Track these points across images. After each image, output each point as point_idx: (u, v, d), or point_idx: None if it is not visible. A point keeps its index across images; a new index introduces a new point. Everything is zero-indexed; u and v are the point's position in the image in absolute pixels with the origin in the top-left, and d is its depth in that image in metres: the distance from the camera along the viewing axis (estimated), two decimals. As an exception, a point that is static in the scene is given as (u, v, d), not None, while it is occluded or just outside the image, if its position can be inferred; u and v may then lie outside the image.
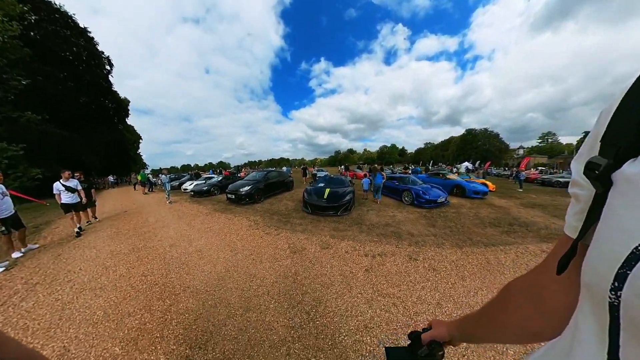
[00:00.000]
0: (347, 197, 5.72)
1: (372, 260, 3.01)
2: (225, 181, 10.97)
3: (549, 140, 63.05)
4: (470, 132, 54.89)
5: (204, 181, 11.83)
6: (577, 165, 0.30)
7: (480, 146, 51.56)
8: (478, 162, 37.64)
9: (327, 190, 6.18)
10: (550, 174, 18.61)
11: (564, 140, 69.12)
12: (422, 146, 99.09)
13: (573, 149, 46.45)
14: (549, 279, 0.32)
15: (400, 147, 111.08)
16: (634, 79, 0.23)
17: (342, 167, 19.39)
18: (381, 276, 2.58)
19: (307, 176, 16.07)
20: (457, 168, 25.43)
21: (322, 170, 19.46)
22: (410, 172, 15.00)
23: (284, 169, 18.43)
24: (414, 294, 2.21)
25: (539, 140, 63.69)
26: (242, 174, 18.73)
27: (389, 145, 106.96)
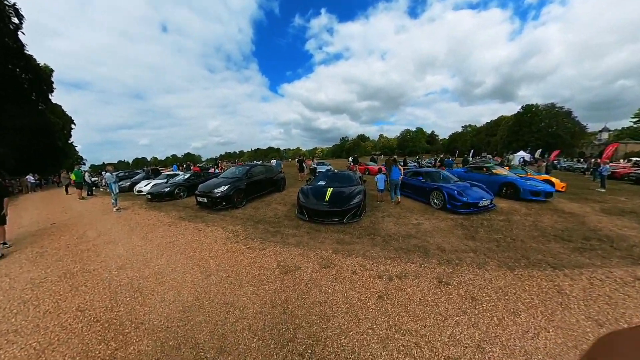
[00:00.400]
0: (356, 199, 5.76)
1: (387, 283, 3.04)
2: (195, 179, 11.12)
3: None
4: (528, 110, 52.84)
5: (166, 180, 12.00)
6: None
7: (543, 128, 49.44)
8: (539, 151, 37.03)
9: (330, 190, 6.23)
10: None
11: None
12: (460, 130, 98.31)
13: None
14: None
15: (428, 131, 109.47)
16: None
17: (351, 159, 19.39)
18: (400, 306, 2.60)
19: (304, 171, 16.19)
20: (508, 159, 25.17)
21: (323, 164, 19.57)
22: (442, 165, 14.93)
23: (273, 162, 18.54)
24: (444, 331, 2.22)
25: (635, 119, 59.63)
26: (217, 169, 18.97)
27: (414, 129, 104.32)
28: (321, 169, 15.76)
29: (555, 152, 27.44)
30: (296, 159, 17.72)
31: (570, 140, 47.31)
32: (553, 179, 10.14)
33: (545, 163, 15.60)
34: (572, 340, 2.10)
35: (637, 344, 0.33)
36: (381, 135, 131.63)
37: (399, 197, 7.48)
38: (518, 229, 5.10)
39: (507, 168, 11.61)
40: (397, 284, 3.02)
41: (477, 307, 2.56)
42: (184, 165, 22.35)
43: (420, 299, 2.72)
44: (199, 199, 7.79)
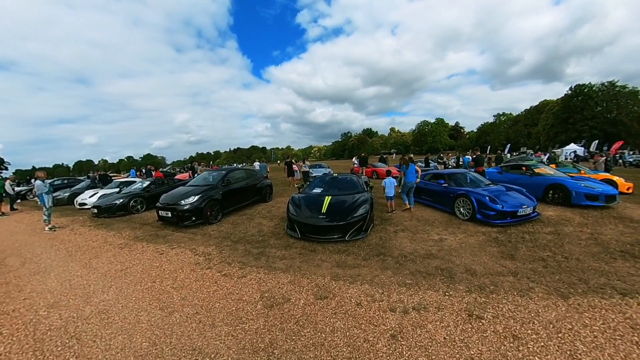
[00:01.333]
0: (361, 210, 5.75)
1: (402, 318, 2.97)
2: (156, 188, 11.09)
3: None
4: (580, 91, 52.41)
5: (118, 189, 11.94)
6: None
7: (599, 114, 49.25)
8: (595, 142, 37.27)
9: (327, 199, 6.22)
10: None
11: None
12: (491, 120, 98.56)
13: None
14: None
15: (451, 122, 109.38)
16: None
17: (356, 159, 19.39)
18: (419, 348, 2.52)
19: (296, 176, 16.17)
20: (553, 154, 25.28)
21: (320, 166, 19.59)
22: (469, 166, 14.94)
23: (257, 165, 18.50)
24: (477, 382, 2.15)
25: None
26: (184, 175, 18.82)
27: (433, 120, 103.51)
28: (317, 172, 15.78)
29: (617, 144, 27.56)
30: (284, 161, 17.76)
31: (638, 128, 46.47)
32: (615, 178, 10.09)
33: (604, 158, 15.62)
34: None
35: None
36: (392, 129, 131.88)
37: (410, 204, 7.71)
38: (571, 243, 5.04)
39: (553, 166, 11.64)
40: (415, 319, 2.94)
41: (522, 349, 2.46)
42: (144, 171, 22.30)
43: (445, 338, 2.64)
44: (162, 212, 7.74)
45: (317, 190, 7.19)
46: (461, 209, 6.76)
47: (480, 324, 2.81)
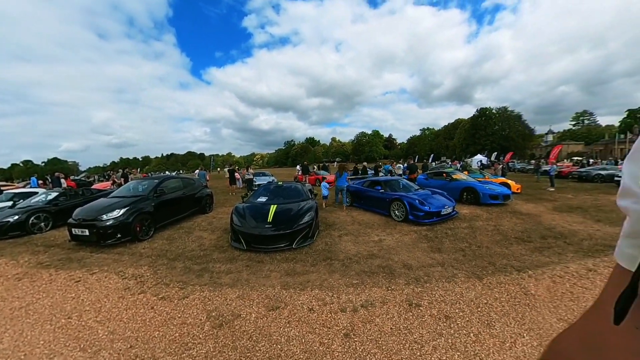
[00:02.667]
0: (307, 218, 5.87)
1: (353, 317, 3.14)
2: (67, 201, 9.39)
3: (585, 121, 77.91)
4: (483, 113, 65.33)
5: (11, 202, 9.81)
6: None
7: (497, 132, 62.06)
8: (495, 153, 45.49)
9: (273, 207, 6.19)
10: (587, 166, 23.30)
11: (603, 121, 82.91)
12: (418, 133, 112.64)
13: (615, 132, 53.20)
14: (606, 329, 0.36)
15: (386, 134, 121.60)
16: None
17: (300, 167, 19.74)
18: (370, 341, 2.70)
19: (238, 184, 15.60)
20: (465, 163, 29.99)
21: (264, 174, 19.32)
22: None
23: (197, 173, 17.21)
24: (422, 360, 2.41)
25: (573, 122, 78.60)
26: (105, 184, 16.32)
27: (370, 132, 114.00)
28: (261, 180, 15.52)
29: (509, 154, 33.84)
30: (226, 168, 16.94)
31: (522, 143, 60.36)
32: (509, 181, 12.44)
33: (501, 166, 19.03)
34: (547, 340, 2.55)
35: (583, 341, 0.42)
36: (334, 139, 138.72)
37: (343, 203, 9.60)
38: (482, 235, 6.04)
39: (466, 173, 13.74)
40: (364, 316, 3.13)
41: (452, 325, 2.86)
42: (49, 179, 18.31)
43: (391, 328, 2.87)
44: (76, 230, 6.54)
45: (262, 199, 7.08)
46: (396, 212, 7.45)
47: (419, 310, 3.16)
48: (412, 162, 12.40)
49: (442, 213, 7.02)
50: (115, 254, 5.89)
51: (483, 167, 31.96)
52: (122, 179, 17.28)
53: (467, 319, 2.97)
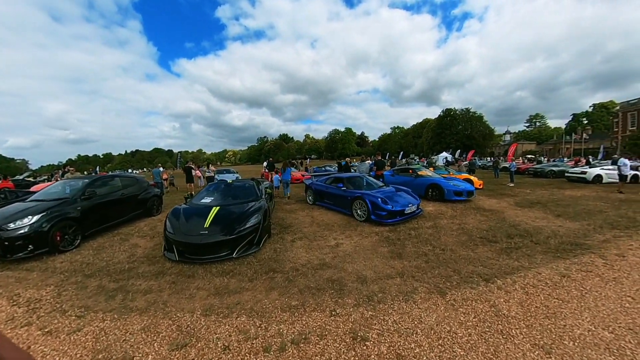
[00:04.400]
0: (253, 220, 4.94)
1: (278, 357, 2.28)
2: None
3: (537, 123, 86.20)
4: (448, 113, 68.36)
5: None
6: None
7: (460, 131, 65.11)
8: (458, 151, 47.09)
9: (214, 210, 5.19)
10: (540, 163, 25.59)
11: (552, 123, 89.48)
12: (389, 132, 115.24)
13: (562, 133, 57.25)
14: None
15: (359, 132, 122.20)
16: None
17: (266, 164, 18.51)
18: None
19: (200, 183, 14.23)
20: (431, 160, 30.55)
21: (228, 171, 17.94)
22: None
23: (161, 170, 15.21)
24: None
25: (527, 124, 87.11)
26: (43, 186, 13.89)
27: (343, 129, 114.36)
28: (225, 178, 14.28)
29: (471, 152, 35.04)
30: (184, 165, 15.38)
31: (482, 142, 63.70)
32: (472, 177, 12.27)
33: (464, 162, 19.13)
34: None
35: None
36: (307, 136, 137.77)
37: (285, 195, 10.80)
38: (446, 235, 5.43)
39: (431, 169, 13.46)
40: (293, 355, 2.26)
41: (405, 370, 2.05)
42: None
43: (323, 379, 2.02)
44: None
45: (206, 200, 6.04)
46: (358, 211, 6.70)
47: (365, 348, 2.33)
48: (379, 158, 11.76)
49: (406, 212, 6.37)
50: (24, 271, 4.56)
51: (448, 163, 32.75)
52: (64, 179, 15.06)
53: (426, 357, 2.19)
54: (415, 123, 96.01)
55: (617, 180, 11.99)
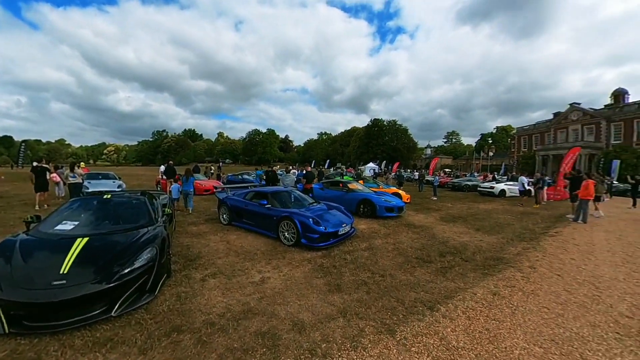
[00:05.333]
0: (144, 258, 4.04)
1: None
2: None
3: (453, 140, 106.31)
4: (376, 124, 76.22)
5: None
6: None
7: (387, 142, 73.37)
8: (384, 162, 52.39)
9: (79, 243, 4.07)
10: (456, 177, 31.84)
11: (465, 141, 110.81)
12: (316, 137, 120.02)
13: (473, 150, 74.91)
14: None
15: (282, 135, 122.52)
16: None
17: (163, 168, 15.96)
18: None
19: (58, 193, 11.75)
20: (360, 171, 32.90)
21: (105, 176, 14.31)
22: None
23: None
24: None
25: (445, 140, 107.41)
26: None
27: (265, 130, 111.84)
28: (99, 187, 11.82)
29: (397, 164, 39.40)
30: (33, 165, 12.00)
31: (407, 154, 73.85)
32: (400, 192, 13.62)
33: (392, 174, 21.35)
34: None
35: None
36: (221, 135, 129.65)
37: (188, 206, 10.46)
38: (383, 257, 5.75)
39: (361, 182, 14.38)
40: None
41: None
42: None
43: None
44: None
45: (66, 227, 4.68)
46: (285, 234, 6.46)
47: None
48: (309, 169, 11.82)
49: (339, 233, 6.45)
50: None
51: (376, 175, 35.92)
52: None
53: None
54: (343, 130, 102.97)
55: (518, 195, 15.73)
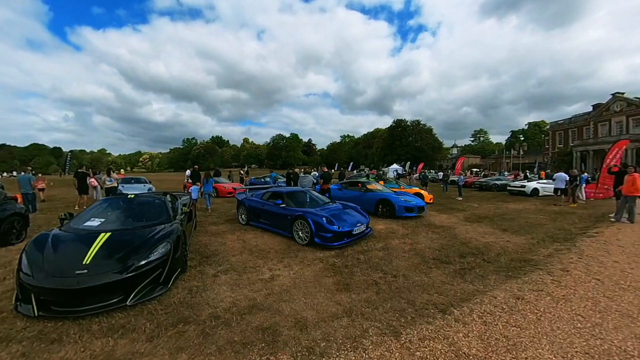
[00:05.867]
0: (158, 252, 4.22)
1: None
2: None
3: (481, 138, 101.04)
4: (399, 124, 74.69)
5: None
6: None
7: (411, 143, 71.80)
8: (409, 163, 51.15)
9: (102, 237, 4.34)
10: (484, 176, 29.99)
11: (494, 139, 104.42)
12: (339, 140, 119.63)
13: (503, 148, 69.05)
14: None
15: (305, 138, 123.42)
16: None
17: (189, 173, 16.86)
18: None
19: (95, 195, 12.47)
20: (382, 172, 32.33)
21: (137, 181, 15.96)
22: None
23: (31, 175, 12.30)
24: None
25: (472, 139, 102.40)
26: None
27: (288, 134, 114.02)
28: (132, 190, 12.48)
29: (421, 165, 38.31)
30: (76, 171, 13.04)
31: (432, 154, 71.47)
32: (422, 192, 13.14)
33: (416, 175, 20.68)
34: None
35: None
36: (246, 140, 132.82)
37: (208, 206, 11.53)
38: (398, 258, 5.48)
39: (382, 183, 14.05)
40: None
41: None
42: None
43: None
44: None
45: (92, 223, 5.01)
46: (299, 233, 6.38)
47: None
48: (325, 170, 11.78)
49: (354, 232, 6.27)
50: None
51: (399, 176, 35.11)
52: None
53: None
54: (366, 132, 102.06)
55: (552, 194, 14.35)
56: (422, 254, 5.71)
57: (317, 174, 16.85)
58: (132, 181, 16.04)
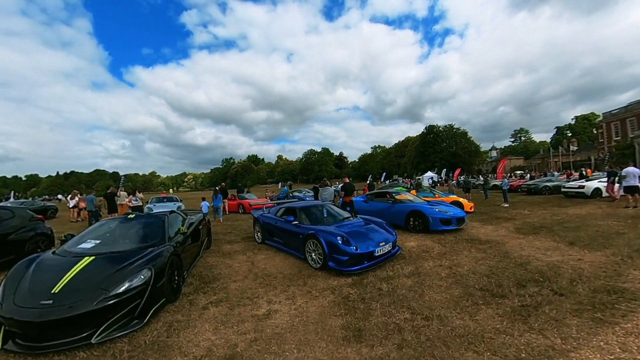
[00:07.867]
0: (134, 281, 3.55)
1: None
2: None
3: (522, 138, 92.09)
4: (431, 130, 71.27)
5: None
6: None
7: (445, 149, 67.93)
8: (444, 170, 47.87)
9: (83, 262, 3.85)
10: (531, 178, 26.24)
11: (537, 137, 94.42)
12: (370, 151, 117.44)
13: (548, 147, 61.89)
14: None
15: (337, 152, 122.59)
16: None
17: (217, 189, 16.98)
18: None
19: (114, 212, 12.34)
20: (417, 181, 30.18)
21: (168, 200, 16.15)
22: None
23: (94, 196, 12.97)
24: None
25: (512, 139, 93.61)
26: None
27: (320, 149, 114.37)
28: (160, 208, 12.41)
29: (457, 171, 35.45)
30: (106, 193, 13.23)
31: (468, 159, 67.15)
32: (461, 200, 11.43)
33: (453, 182, 18.67)
34: None
35: None
36: (280, 157, 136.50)
37: (220, 217, 12.57)
38: (432, 288, 4.17)
39: (413, 192, 12.54)
40: None
41: None
42: None
43: None
44: None
45: (87, 245, 4.54)
46: (312, 255, 5.30)
47: None
48: (347, 181, 10.57)
49: (376, 254, 5.04)
50: None
51: (435, 184, 32.61)
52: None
53: None
54: (397, 142, 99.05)
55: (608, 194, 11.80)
56: (465, 282, 4.29)
57: (338, 186, 15.76)
58: (165, 200, 16.25)
